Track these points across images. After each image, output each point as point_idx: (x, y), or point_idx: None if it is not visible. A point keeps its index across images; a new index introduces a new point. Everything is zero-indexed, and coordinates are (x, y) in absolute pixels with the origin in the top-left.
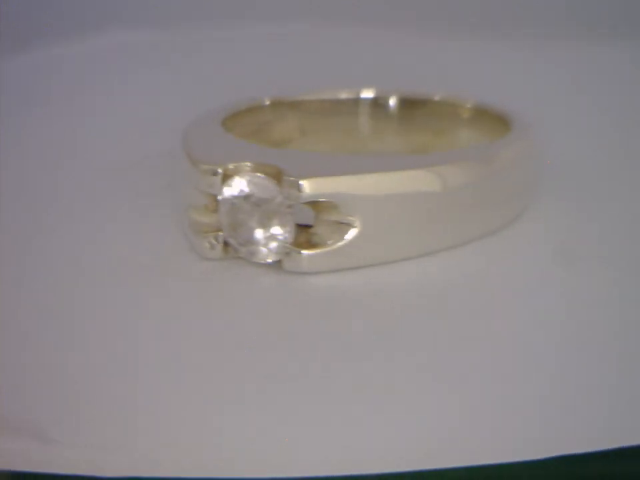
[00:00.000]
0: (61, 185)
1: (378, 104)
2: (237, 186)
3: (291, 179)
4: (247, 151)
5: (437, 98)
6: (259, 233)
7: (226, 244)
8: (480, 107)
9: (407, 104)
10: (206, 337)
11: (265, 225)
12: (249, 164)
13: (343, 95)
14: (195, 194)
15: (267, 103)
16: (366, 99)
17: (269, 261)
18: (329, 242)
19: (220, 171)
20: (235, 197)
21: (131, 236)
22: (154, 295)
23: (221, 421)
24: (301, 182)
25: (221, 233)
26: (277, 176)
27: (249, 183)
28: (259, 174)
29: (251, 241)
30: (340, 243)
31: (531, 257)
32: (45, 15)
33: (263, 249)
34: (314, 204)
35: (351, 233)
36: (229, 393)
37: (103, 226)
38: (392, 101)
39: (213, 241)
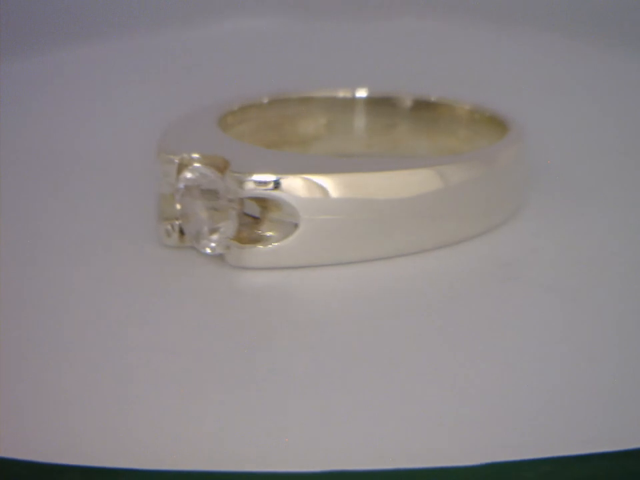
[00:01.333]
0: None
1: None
2: (185, 176)
3: (234, 173)
4: (208, 143)
5: (433, 99)
6: (204, 225)
7: (182, 232)
8: (476, 109)
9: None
10: (128, 320)
11: (211, 217)
12: (197, 155)
13: (341, 94)
14: (164, 183)
15: (265, 100)
16: (361, 99)
17: (213, 253)
18: (271, 239)
19: (176, 160)
20: (183, 187)
21: (106, 219)
22: (104, 273)
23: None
24: (241, 177)
25: (177, 222)
26: (222, 169)
27: (195, 173)
28: (205, 165)
29: (199, 232)
30: (281, 242)
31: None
32: (43, 21)
33: (207, 241)
34: (259, 200)
35: (292, 233)
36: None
37: (83, 209)
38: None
39: (170, 229)
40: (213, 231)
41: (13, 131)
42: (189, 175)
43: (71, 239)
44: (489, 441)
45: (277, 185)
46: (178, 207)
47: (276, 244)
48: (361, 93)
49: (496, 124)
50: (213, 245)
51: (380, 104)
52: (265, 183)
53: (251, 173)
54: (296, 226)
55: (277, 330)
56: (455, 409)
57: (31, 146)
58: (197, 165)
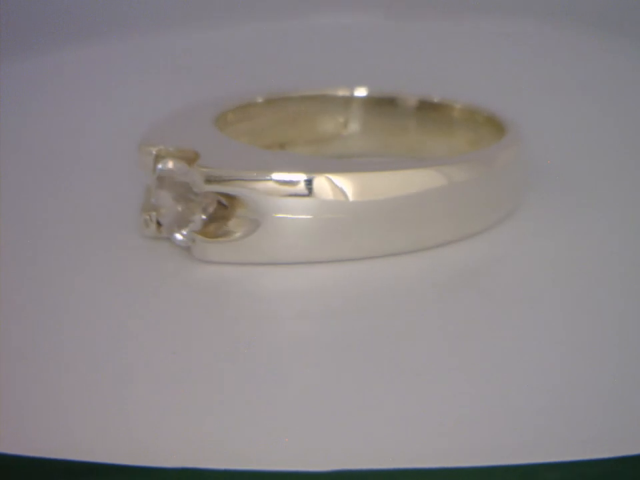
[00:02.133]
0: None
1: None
2: (157, 167)
3: (200, 167)
4: (188, 136)
5: (435, 100)
6: (174, 217)
7: (160, 224)
8: (473, 109)
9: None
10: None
11: (184, 209)
12: (172, 148)
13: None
14: (148, 175)
15: (260, 100)
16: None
17: (183, 245)
18: (236, 235)
19: (154, 152)
20: (157, 179)
21: (95, 210)
22: (74, 261)
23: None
24: (206, 172)
25: (154, 213)
26: (192, 162)
27: (166, 165)
28: (177, 159)
29: (170, 224)
30: (244, 238)
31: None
32: (43, 21)
33: (176, 234)
34: (227, 195)
35: (255, 230)
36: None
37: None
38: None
39: (148, 219)
40: (184, 223)
41: (13, 130)
42: (160, 166)
43: (57, 228)
44: (490, 442)
45: (240, 181)
46: (152, 198)
47: (239, 240)
48: (361, 93)
49: (495, 125)
50: (180, 237)
51: (382, 104)
52: (225, 179)
53: (214, 168)
54: (257, 223)
55: (224, 325)
56: (444, 411)
57: (30, 145)
58: (169, 157)
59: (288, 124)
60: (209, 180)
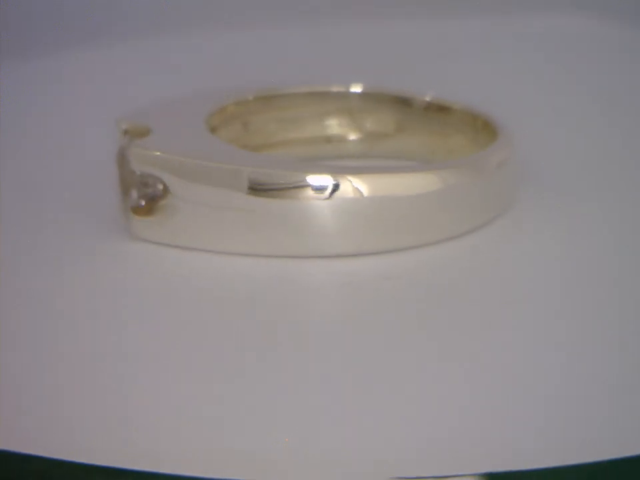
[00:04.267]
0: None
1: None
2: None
3: (134, 147)
4: (159, 117)
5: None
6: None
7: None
8: (466, 111)
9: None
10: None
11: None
12: (137, 125)
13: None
14: None
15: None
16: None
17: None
18: (163, 215)
19: (124, 127)
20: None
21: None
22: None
23: None
24: (136, 151)
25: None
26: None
27: (122, 141)
28: (132, 135)
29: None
30: (168, 219)
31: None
32: (43, 23)
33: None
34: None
35: (175, 211)
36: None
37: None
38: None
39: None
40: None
41: (13, 130)
42: (118, 141)
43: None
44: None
45: (162, 164)
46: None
47: (163, 220)
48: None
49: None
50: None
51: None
52: (147, 161)
53: (144, 149)
54: (175, 207)
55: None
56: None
57: (30, 145)
58: (130, 133)
59: (280, 122)
60: (137, 159)
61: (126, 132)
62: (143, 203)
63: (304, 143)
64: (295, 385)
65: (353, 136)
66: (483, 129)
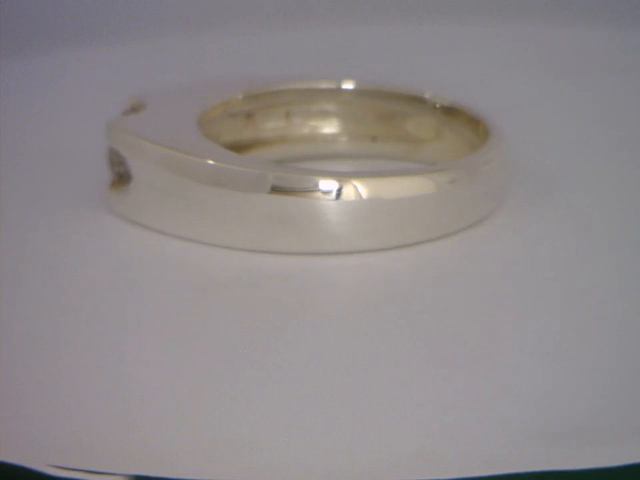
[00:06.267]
0: None
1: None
2: None
3: (112, 122)
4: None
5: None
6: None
7: None
8: (456, 108)
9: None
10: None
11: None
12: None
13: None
14: None
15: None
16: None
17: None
18: (132, 194)
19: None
20: None
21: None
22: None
23: None
24: (109, 126)
25: None
26: None
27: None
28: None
29: None
30: (135, 198)
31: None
32: (43, 22)
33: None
34: None
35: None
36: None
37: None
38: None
39: None
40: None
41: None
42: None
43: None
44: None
45: (129, 145)
46: None
47: (130, 199)
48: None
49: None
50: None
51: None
52: (117, 138)
53: (115, 124)
54: (134, 186)
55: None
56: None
57: (29, 145)
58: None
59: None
60: (111, 135)
61: (132, 107)
62: (116, 179)
63: (299, 141)
64: (282, 386)
65: (343, 137)
66: (476, 129)
